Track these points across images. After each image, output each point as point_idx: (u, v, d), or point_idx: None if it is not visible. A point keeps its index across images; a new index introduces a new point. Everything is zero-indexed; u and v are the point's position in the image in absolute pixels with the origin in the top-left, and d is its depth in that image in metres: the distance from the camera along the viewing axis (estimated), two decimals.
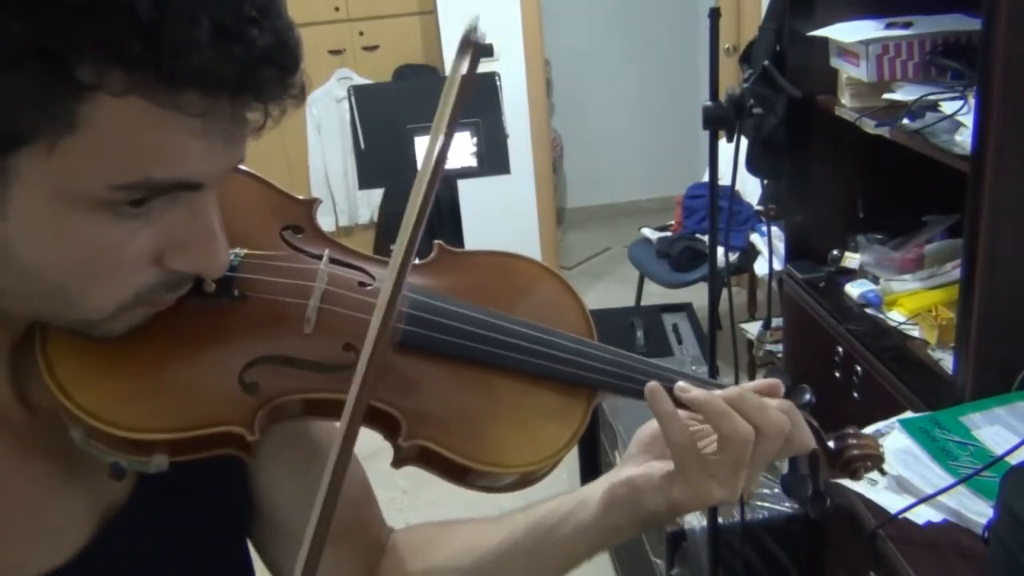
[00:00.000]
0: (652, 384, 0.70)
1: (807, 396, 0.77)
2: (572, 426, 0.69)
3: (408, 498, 2.96)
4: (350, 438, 0.56)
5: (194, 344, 0.62)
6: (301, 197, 0.74)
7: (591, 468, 2.75)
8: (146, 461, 0.59)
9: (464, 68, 0.55)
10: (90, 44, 0.48)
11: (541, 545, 0.76)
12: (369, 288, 0.68)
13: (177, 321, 0.62)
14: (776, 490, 2.13)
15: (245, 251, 0.67)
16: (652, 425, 0.77)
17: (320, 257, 0.69)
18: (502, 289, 0.74)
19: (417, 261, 0.73)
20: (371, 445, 0.66)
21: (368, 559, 0.84)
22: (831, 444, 0.78)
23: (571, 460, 2.86)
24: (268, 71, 0.53)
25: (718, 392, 0.70)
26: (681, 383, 0.70)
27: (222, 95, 0.52)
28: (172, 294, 0.61)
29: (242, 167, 0.71)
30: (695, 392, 0.69)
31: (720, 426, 0.68)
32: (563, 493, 0.78)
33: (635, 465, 0.75)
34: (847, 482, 1.35)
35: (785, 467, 0.78)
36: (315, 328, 0.65)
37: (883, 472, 0.82)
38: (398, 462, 0.65)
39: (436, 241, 0.76)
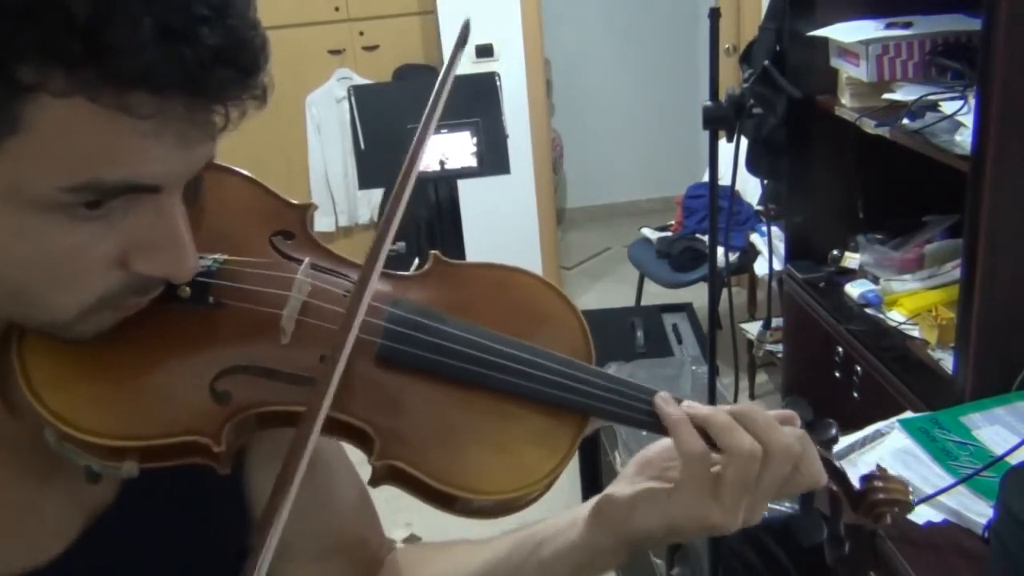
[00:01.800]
0: (663, 393, 0.67)
1: (832, 431, 0.73)
2: (559, 453, 0.65)
3: (408, 498, 2.95)
4: (300, 447, 0.55)
5: (167, 351, 0.61)
6: (296, 202, 0.72)
7: (591, 469, 2.75)
8: (117, 466, 0.58)
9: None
10: (27, 45, 0.48)
11: (524, 565, 0.74)
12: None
13: (152, 327, 0.61)
14: None
15: (225, 257, 0.65)
16: (651, 449, 0.75)
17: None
18: (497, 305, 0.71)
19: (409, 272, 0.72)
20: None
21: (364, 574, 0.83)
22: (856, 485, 0.74)
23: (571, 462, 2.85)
24: (223, 72, 0.52)
25: (724, 407, 0.67)
26: (687, 401, 0.68)
27: (173, 96, 0.51)
28: (140, 298, 0.60)
29: (237, 169, 0.70)
30: (699, 408, 0.67)
31: (725, 440, 0.65)
32: (559, 514, 0.76)
33: (628, 484, 0.72)
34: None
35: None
36: (292, 339, 0.63)
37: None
38: (373, 481, 0.63)
39: (432, 252, 0.73)
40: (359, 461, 0.79)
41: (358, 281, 0.57)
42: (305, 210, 0.71)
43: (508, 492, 0.64)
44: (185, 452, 0.59)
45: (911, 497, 0.74)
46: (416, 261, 0.74)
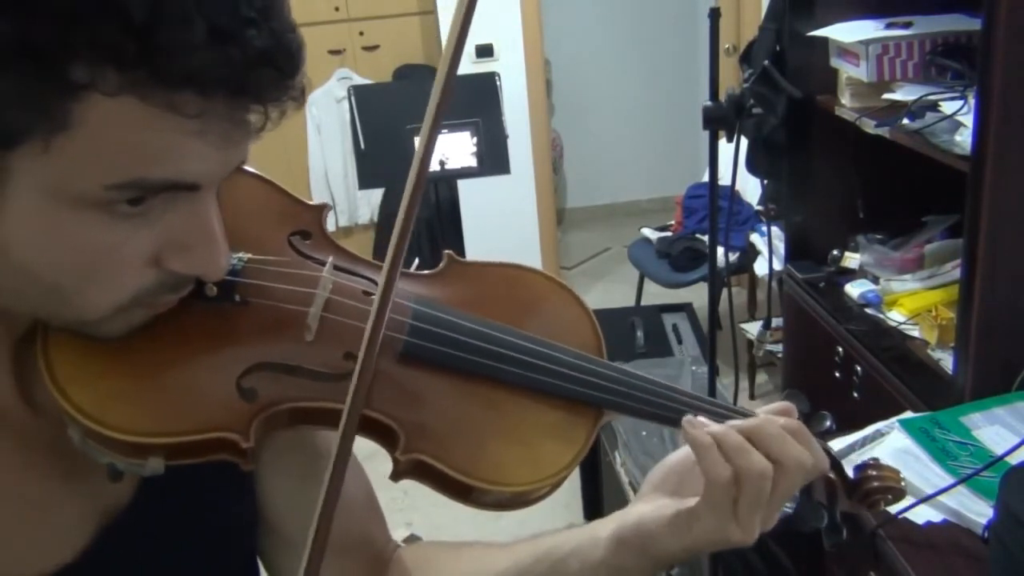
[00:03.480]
0: (690, 417, 0.68)
1: (827, 423, 0.75)
2: (575, 446, 0.67)
3: (408, 498, 2.96)
4: (345, 449, 0.56)
5: (193, 348, 0.62)
6: (312, 202, 0.73)
7: (591, 470, 2.75)
8: (142, 464, 0.59)
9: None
10: (83, 44, 0.48)
11: None
12: (373, 297, 0.67)
13: (178, 324, 0.62)
14: None
15: (248, 256, 0.66)
16: (665, 464, 0.75)
17: (325, 264, 0.68)
18: (511, 302, 0.73)
19: (425, 271, 0.73)
20: (370, 446, 0.66)
21: (371, 573, 0.83)
22: (851, 475, 0.76)
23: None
24: (266, 73, 0.53)
25: (736, 423, 0.68)
26: (700, 418, 0.68)
27: (219, 96, 0.51)
28: (171, 296, 0.60)
29: (254, 171, 0.71)
30: (712, 427, 0.67)
31: (737, 461, 0.65)
32: (568, 527, 0.77)
33: (647, 504, 0.73)
34: None
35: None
36: (316, 336, 0.64)
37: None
38: (396, 475, 0.65)
39: (446, 252, 0.75)
40: (367, 456, 0.79)
41: (384, 279, 0.58)
42: (321, 210, 0.73)
43: (526, 484, 0.65)
44: (213, 449, 0.60)
45: (903, 484, 0.76)
46: (417, 260, 0.75)
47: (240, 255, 0.66)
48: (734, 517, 0.66)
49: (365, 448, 0.67)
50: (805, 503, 0.74)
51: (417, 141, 0.58)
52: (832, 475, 0.74)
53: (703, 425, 0.67)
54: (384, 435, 0.64)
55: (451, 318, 0.68)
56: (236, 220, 0.65)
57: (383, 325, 0.58)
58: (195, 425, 0.59)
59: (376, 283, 0.67)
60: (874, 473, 0.76)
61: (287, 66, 0.54)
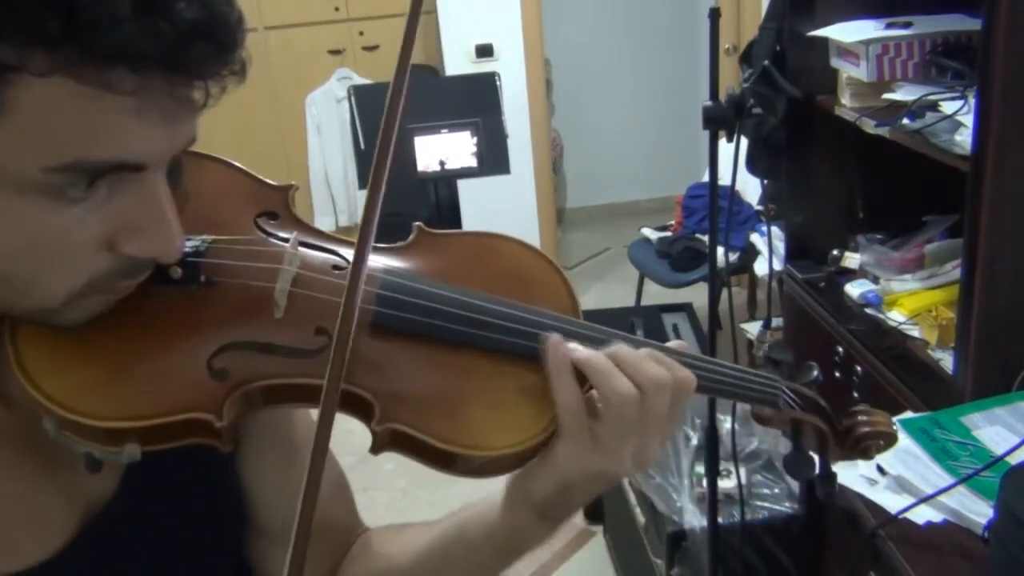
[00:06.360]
0: (554, 337, 0.65)
1: (815, 373, 0.74)
2: (553, 408, 0.66)
3: (408, 498, 2.95)
4: (325, 427, 0.56)
5: (162, 331, 0.62)
6: (276, 183, 0.72)
7: None
8: (118, 451, 0.58)
9: None
10: (5, 24, 0.48)
11: (453, 549, 0.74)
12: (343, 271, 0.67)
13: (145, 309, 0.62)
14: (776, 490, 2.13)
15: (212, 237, 0.66)
16: None
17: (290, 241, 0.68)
18: (482, 269, 0.72)
19: (395, 244, 0.73)
20: (368, 445, 0.65)
21: (335, 558, 0.83)
22: (841, 422, 0.74)
23: None
24: (201, 46, 0.52)
25: (604, 350, 0.65)
26: (572, 344, 0.65)
27: (153, 71, 0.51)
28: (128, 281, 0.60)
29: (217, 155, 0.71)
30: (581, 351, 0.65)
31: (604, 385, 0.63)
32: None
33: None
34: (848, 482, 1.36)
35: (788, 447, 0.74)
36: (286, 312, 0.64)
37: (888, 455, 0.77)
38: (375, 448, 0.64)
39: (416, 223, 0.74)
40: (365, 458, 0.79)
41: (355, 252, 0.58)
42: (287, 191, 0.72)
43: (506, 448, 0.64)
44: (187, 431, 0.60)
45: (895, 428, 0.75)
46: None
47: (203, 237, 0.66)
48: (596, 446, 0.63)
49: (364, 448, 0.67)
50: (795, 455, 0.73)
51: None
52: (822, 424, 0.73)
53: (562, 346, 0.65)
54: (359, 407, 0.64)
55: (420, 286, 0.67)
56: (202, 204, 0.66)
57: (357, 298, 0.58)
58: (168, 407, 0.59)
59: (344, 257, 0.68)
60: (864, 419, 0.74)
61: (224, 39, 0.53)
